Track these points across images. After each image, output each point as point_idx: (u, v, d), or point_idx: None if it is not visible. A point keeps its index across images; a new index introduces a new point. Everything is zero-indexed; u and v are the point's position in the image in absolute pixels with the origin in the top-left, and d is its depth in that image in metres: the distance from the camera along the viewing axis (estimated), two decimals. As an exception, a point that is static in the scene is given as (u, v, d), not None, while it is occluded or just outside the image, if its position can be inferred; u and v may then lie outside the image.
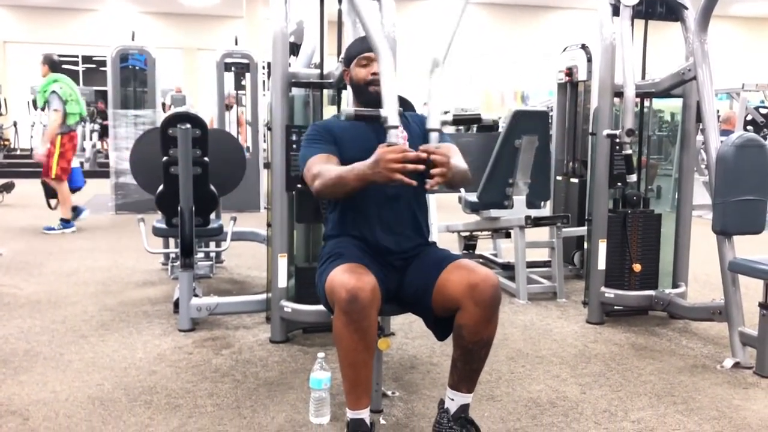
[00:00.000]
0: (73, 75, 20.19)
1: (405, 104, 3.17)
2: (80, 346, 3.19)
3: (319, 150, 2.30)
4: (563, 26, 19.49)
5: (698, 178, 6.44)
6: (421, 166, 1.99)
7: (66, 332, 3.41)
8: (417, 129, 2.41)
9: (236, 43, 8.75)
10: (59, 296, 4.11)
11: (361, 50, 2.35)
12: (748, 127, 8.88)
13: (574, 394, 2.71)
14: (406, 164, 1.97)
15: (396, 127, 2.05)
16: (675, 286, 3.79)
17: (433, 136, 2.14)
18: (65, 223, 6.57)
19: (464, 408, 2.20)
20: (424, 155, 2.00)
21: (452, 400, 2.21)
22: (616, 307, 3.76)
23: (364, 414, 2.10)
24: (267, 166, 3.27)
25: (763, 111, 9.62)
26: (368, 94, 2.33)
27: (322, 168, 2.21)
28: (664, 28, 3.77)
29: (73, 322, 3.58)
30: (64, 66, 20.55)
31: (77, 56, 20.46)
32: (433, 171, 2.02)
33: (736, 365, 3.02)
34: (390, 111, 2.07)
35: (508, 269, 4.70)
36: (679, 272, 3.82)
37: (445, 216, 5.44)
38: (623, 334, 3.51)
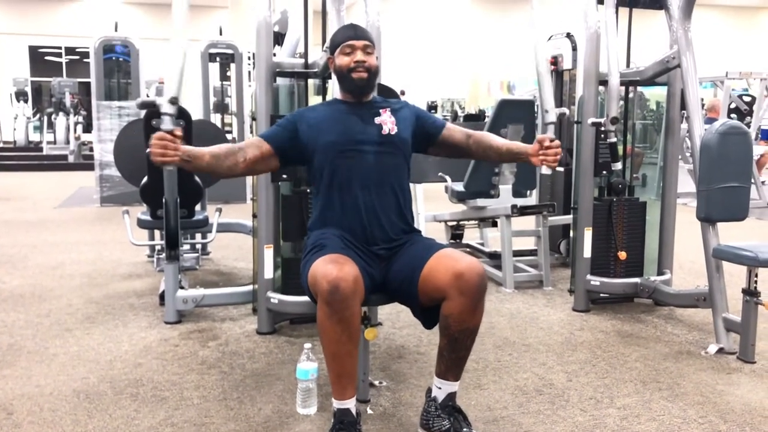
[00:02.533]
0: (57, 66, 20.05)
1: (389, 93, 3.17)
2: (65, 340, 3.17)
3: (266, 133, 2.42)
4: (548, 15, 19.49)
5: (683, 166, 6.48)
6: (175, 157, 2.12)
7: (50, 326, 3.38)
8: (407, 114, 2.43)
9: (221, 34, 8.70)
10: (44, 289, 4.08)
11: (345, 38, 2.34)
12: (732, 115, 8.94)
13: (561, 382, 2.73)
14: (165, 150, 2.10)
15: (169, 115, 2.23)
16: (660, 273, 3.81)
17: (550, 128, 2.55)
18: None
19: (451, 396, 2.21)
20: (168, 140, 2.12)
21: (439, 388, 2.21)
22: (601, 295, 3.78)
23: (350, 404, 2.10)
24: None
25: (746, 99, 9.69)
26: (351, 81, 2.32)
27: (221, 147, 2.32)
28: (648, 17, 3.78)
29: (58, 315, 3.56)
30: (47, 58, 20.37)
31: (60, 48, 20.27)
32: (550, 160, 2.29)
33: (720, 351, 3.05)
34: (164, 99, 2.21)
35: (494, 258, 4.71)
36: (664, 259, 3.85)
37: (432, 206, 5.45)
38: (609, 322, 3.53)
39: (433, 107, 15.70)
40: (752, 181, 3.35)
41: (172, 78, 2.22)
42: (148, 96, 9.77)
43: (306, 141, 2.34)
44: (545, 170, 2.35)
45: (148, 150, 2.13)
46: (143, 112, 3.48)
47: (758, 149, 8.53)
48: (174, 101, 2.18)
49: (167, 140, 2.11)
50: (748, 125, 8.48)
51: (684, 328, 3.44)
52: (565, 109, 2.73)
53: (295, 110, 2.56)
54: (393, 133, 2.34)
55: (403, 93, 15.38)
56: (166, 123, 2.15)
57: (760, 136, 12.02)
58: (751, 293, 2.93)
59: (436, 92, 17.89)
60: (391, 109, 2.40)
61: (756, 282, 2.94)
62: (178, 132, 2.15)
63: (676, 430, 2.32)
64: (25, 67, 19.83)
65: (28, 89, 16.63)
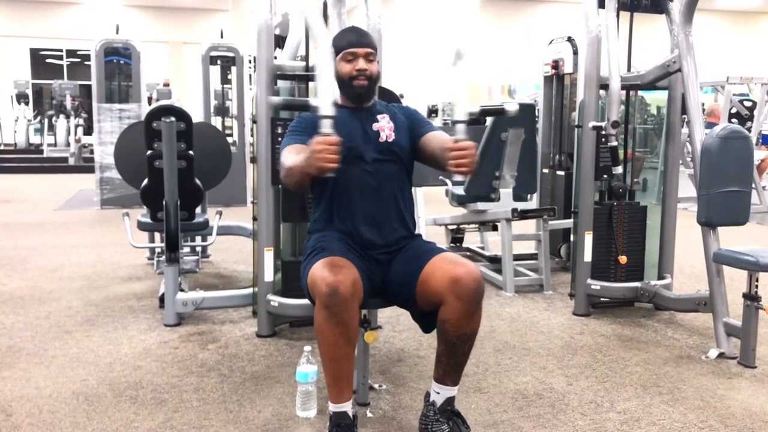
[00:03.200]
0: (58, 69, 20.08)
1: (390, 96, 3.16)
2: (64, 342, 3.17)
3: (294, 141, 2.29)
4: (550, 19, 19.51)
5: (684, 170, 6.48)
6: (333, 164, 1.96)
7: (50, 328, 3.37)
8: (403, 120, 2.41)
9: (222, 37, 8.69)
10: (43, 292, 4.07)
11: (347, 44, 2.33)
12: (733, 120, 8.95)
13: (561, 386, 2.72)
14: (334, 155, 1.94)
15: (330, 118, 2.00)
16: (660, 277, 3.81)
17: (459, 127, 2.07)
18: None
19: (450, 401, 2.20)
20: (334, 140, 1.95)
21: (438, 393, 2.21)
22: (602, 299, 3.77)
23: (347, 407, 2.10)
24: (253, 160, 3.25)
25: (747, 103, 9.69)
26: (352, 88, 2.32)
27: (286, 158, 2.20)
28: (649, 21, 3.79)
29: (57, 317, 3.55)
30: (48, 60, 20.38)
31: (61, 50, 20.29)
32: (458, 163, 2.01)
33: (721, 356, 3.05)
34: (322, 101, 2.02)
35: (495, 262, 4.70)
36: (664, 264, 3.84)
37: (433, 209, 5.45)
38: (609, 326, 3.53)
39: (433, 111, 15.70)
40: (753, 185, 3.35)
41: (325, 83, 2.06)
42: (150, 98, 9.78)
43: None
44: (458, 177, 2.08)
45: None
46: (144, 115, 3.48)
47: (759, 154, 8.54)
48: (336, 104, 2.05)
49: (333, 144, 1.96)
50: (749, 130, 8.48)
51: (684, 332, 3.43)
52: (511, 104, 2.42)
53: (299, 115, 2.53)
54: (390, 140, 2.33)
55: (402, 96, 15.39)
56: (327, 126, 2.03)
57: (761, 140, 12.02)
58: (751, 298, 2.93)
59: (437, 96, 17.89)
60: (390, 115, 2.39)
61: (757, 286, 2.93)
62: (337, 137, 1.98)
63: (677, 434, 2.32)
64: (26, 69, 19.85)
65: (29, 91, 16.66)
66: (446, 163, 2.09)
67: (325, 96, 2.03)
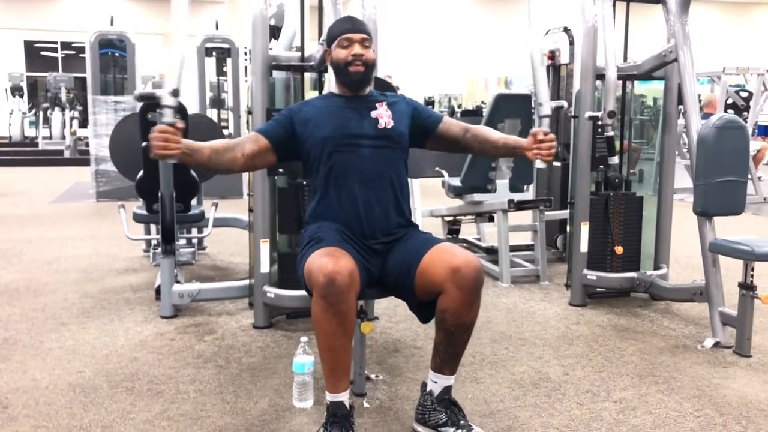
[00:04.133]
0: (52, 61, 19.98)
1: (386, 86, 3.16)
2: (60, 334, 3.16)
3: (262, 128, 2.39)
4: (546, 9, 19.46)
5: (680, 161, 6.49)
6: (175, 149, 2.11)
7: (46, 320, 3.37)
8: (405, 108, 2.42)
9: (217, 28, 8.66)
10: (39, 284, 4.06)
11: (342, 31, 2.33)
12: (729, 110, 8.95)
13: (557, 376, 2.73)
14: (167, 143, 2.08)
15: (171, 107, 2.15)
16: (656, 267, 3.82)
17: (545, 121, 2.33)
18: None
19: (447, 390, 2.21)
20: (170, 133, 2.09)
21: (435, 382, 2.21)
22: (598, 289, 3.78)
23: (344, 397, 2.10)
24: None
25: (743, 94, 9.70)
26: (348, 74, 2.31)
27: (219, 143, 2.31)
28: (645, 11, 3.78)
29: (53, 309, 3.55)
30: (42, 53, 20.25)
31: (56, 42, 20.18)
32: (544, 153, 2.26)
33: (716, 345, 3.06)
34: (165, 91, 2.17)
35: (491, 253, 4.70)
36: (660, 254, 3.85)
37: (429, 201, 5.44)
38: (605, 316, 3.53)
39: (430, 102, 15.69)
40: (749, 176, 3.35)
41: (173, 69, 2.19)
42: (152, 89, 9.74)
43: (302, 136, 2.33)
44: (539, 164, 2.33)
45: (145, 143, 2.11)
46: (139, 106, 3.46)
47: (755, 144, 8.55)
48: (176, 93, 2.14)
49: (169, 133, 2.08)
50: (745, 120, 8.49)
51: (680, 322, 3.44)
52: (563, 102, 2.70)
53: (291, 105, 2.54)
54: (389, 127, 2.33)
55: (397, 88, 15.37)
56: (168, 115, 2.11)
57: (757, 131, 12.05)
58: (747, 287, 2.94)
59: (433, 88, 17.87)
60: (387, 102, 2.39)
61: (752, 276, 2.94)
62: (180, 125, 2.11)
63: (672, 423, 2.33)
64: (21, 62, 19.73)
65: (24, 84, 16.58)
66: (489, 147, 2.47)
67: (168, 87, 2.17)
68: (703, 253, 3.18)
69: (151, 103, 3.29)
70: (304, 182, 3.18)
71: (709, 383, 2.66)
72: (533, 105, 5.02)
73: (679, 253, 4.63)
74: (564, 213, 4.57)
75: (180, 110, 3.30)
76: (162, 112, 2.13)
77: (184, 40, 2.25)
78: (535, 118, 4.82)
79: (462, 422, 2.15)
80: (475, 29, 19.85)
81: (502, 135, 2.51)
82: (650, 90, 4.15)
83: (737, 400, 2.51)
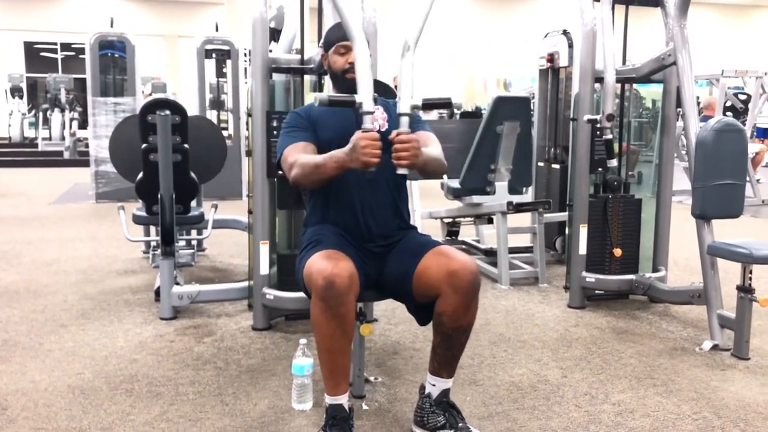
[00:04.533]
0: (52, 62, 19.98)
1: (387, 91, 3.16)
2: (60, 336, 3.17)
3: (296, 138, 2.30)
4: (545, 12, 19.51)
5: (679, 163, 6.50)
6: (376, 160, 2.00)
7: (45, 321, 3.37)
8: (397, 113, 2.40)
9: (217, 30, 8.67)
10: (38, 285, 4.07)
11: (339, 38, 2.33)
12: (728, 113, 8.96)
13: (556, 378, 2.74)
14: (380, 150, 1.99)
15: (371, 113, 2.05)
16: (655, 270, 3.82)
17: (403, 120, 2.06)
18: None
19: (445, 393, 2.21)
20: (377, 135, 2.01)
21: (433, 385, 2.22)
22: (597, 292, 3.79)
23: (343, 399, 2.10)
24: (249, 153, 3.25)
25: (742, 97, 9.71)
26: (345, 81, 2.32)
27: (300, 157, 2.21)
28: (644, 14, 3.79)
29: (53, 311, 3.55)
30: (42, 54, 20.21)
31: (56, 43, 20.18)
32: (396, 155, 2.02)
33: (715, 347, 3.06)
34: (365, 96, 2.06)
35: (490, 255, 4.71)
36: (659, 257, 3.86)
37: (428, 203, 5.45)
38: (604, 318, 3.54)
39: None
40: (747, 178, 3.36)
41: (365, 79, 2.07)
42: (143, 93, 9.75)
43: (316, 136, 2.33)
44: (401, 171, 2.05)
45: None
46: (139, 109, 3.47)
47: (753, 147, 8.56)
48: (376, 100, 2.05)
49: (376, 140, 2.00)
50: (744, 123, 8.50)
51: (679, 324, 3.45)
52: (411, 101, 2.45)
53: (294, 109, 2.53)
54: (384, 129, 2.33)
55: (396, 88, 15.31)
56: (368, 122, 2.04)
57: (755, 134, 12.06)
58: (745, 290, 2.94)
59: (432, 90, 17.88)
60: (384, 106, 2.39)
61: (750, 279, 2.95)
62: (376, 134, 2.03)
63: (671, 425, 2.33)
64: (21, 62, 19.73)
65: (24, 85, 16.58)
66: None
67: (366, 92, 2.07)
68: (701, 255, 3.19)
69: (151, 104, 3.30)
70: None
71: (708, 386, 2.67)
72: (532, 108, 5.04)
73: (677, 255, 4.64)
74: (563, 215, 4.57)
75: (179, 111, 3.33)
76: (363, 119, 2.03)
77: (365, 48, 2.15)
78: (534, 120, 4.84)
79: (460, 425, 2.15)
80: (475, 30, 19.87)
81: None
82: (649, 92, 4.16)
83: (735, 402, 2.52)
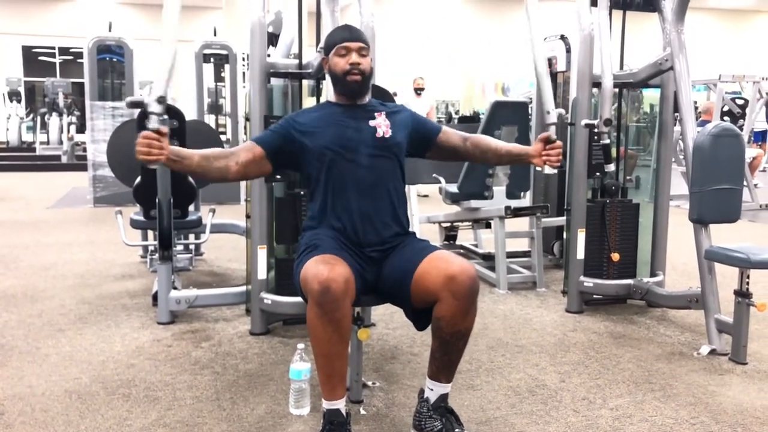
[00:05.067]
0: (50, 67, 19.99)
1: (383, 95, 3.17)
2: (57, 340, 3.16)
3: (258, 137, 2.41)
4: (543, 17, 19.54)
5: (676, 168, 6.51)
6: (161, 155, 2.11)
7: (42, 326, 3.37)
8: (404, 118, 2.43)
9: (215, 34, 8.68)
10: (36, 290, 4.06)
11: (340, 39, 2.34)
12: (725, 118, 8.98)
13: (554, 383, 2.73)
14: (150, 149, 2.09)
15: (156, 114, 2.20)
16: (653, 274, 3.83)
17: (552, 129, 2.49)
18: None
19: (443, 397, 2.21)
20: (154, 139, 2.10)
21: (431, 390, 2.21)
22: (594, 296, 3.79)
23: (340, 404, 2.10)
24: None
25: (739, 102, 9.74)
26: (346, 83, 2.32)
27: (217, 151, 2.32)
28: (641, 19, 3.79)
29: (50, 315, 3.54)
30: (40, 58, 20.21)
31: (54, 48, 20.19)
32: (552, 161, 2.38)
33: (713, 352, 3.06)
34: (151, 98, 2.22)
35: (488, 259, 4.71)
36: (656, 261, 3.86)
37: (426, 207, 5.46)
38: (602, 323, 3.54)
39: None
40: (744, 183, 3.37)
41: (161, 77, 2.23)
42: (141, 96, 9.76)
43: (299, 145, 2.33)
44: (548, 170, 2.39)
45: (137, 147, 2.13)
46: (137, 113, 3.47)
47: (750, 152, 8.58)
48: (161, 100, 2.19)
49: (152, 138, 2.10)
50: (741, 128, 8.52)
51: (676, 329, 3.45)
52: (561, 110, 2.73)
53: (288, 114, 2.55)
54: (387, 136, 2.34)
55: (395, 95, 15.40)
56: (153, 122, 2.16)
57: (752, 138, 12.09)
58: (742, 294, 2.95)
59: (431, 94, 17.91)
60: (387, 112, 2.40)
61: (748, 283, 2.95)
62: (164, 130, 2.14)
63: (668, 430, 2.33)
64: (19, 67, 19.75)
65: (22, 89, 16.58)
66: (491, 155, 2.53)
67: (154, 93, 2.22)
68: (699, 260, 3.19)
69: (145, 109, 3.30)
70: (302, 192, 3.19)
71: (705, 390, 2.67)
72: (530, 112, 5.05)
73: (675, 260, 4.65)
74: (561, 220, 4.58)
75: (177, 116, 3.33)
76: (149, 118, 2.16)
77: (172, 47, 2.29)
78: (532, 124, 4.86)
79: (458, 429, 2.15)
80: (473, 34, 19.91)
81: (504, 143, 2.55)
82: (646, 97, 4.16)
83: (733, 407, 2.52)
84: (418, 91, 9.32)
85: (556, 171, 2.42)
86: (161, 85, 2.22)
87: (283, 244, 3.33)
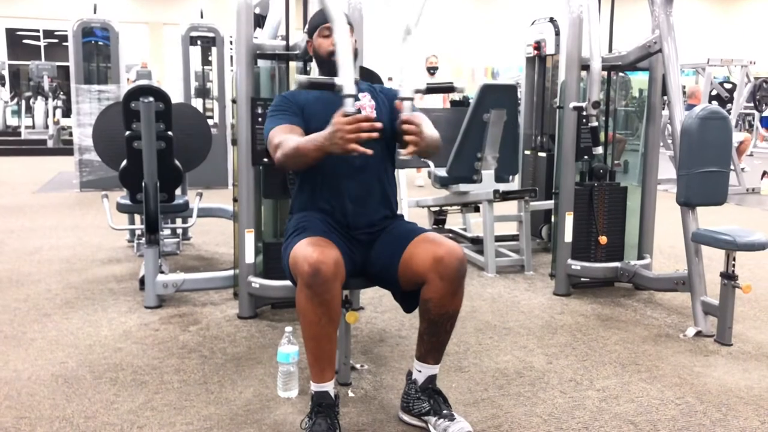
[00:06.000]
0: (35, 50, 19.73)
1: (372, 76, 3.14)
2: (43, 325, 3.14)
3: (282, 120, 2.27)
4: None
5: (664, 152, 6.53)
6: (375, 134, 1.95)
7: (28, 311, 3.34)
8: (385, 100, 2.39)
9: (202, 17, 8.58)
10: (21, 274, 4.03)
11: (323, 20, 2.31)
12: (713, 102, 9.01)
13: (541, 365, 2.75)
14: (360, 133, 1.94)
15: (353, 96, 1.99)
16: (640, 257, 3.84)
17: (407, 104, 2.06)
18: None
19: (431, 379, 2.21)
20: (379, 124, 1.96)
21: (419, 371, 2.22)
22: (582, 279, 3.80)
23: (329, 386, 2.10)
24: (234, 141, 3.22)
25: (727, 86, 9.76)
26: (330, 65, 2.29)
27: (284, 138, 2.18)
28: (631, 1, 3.78)
29: (36, 300, 3.52)
30: (24, 41, 19.88)
31: (38, 30, 19.91)
32: (407, 139, 2.02)
33: (698, 334, 3.09)
34: (345, 79, 2.01)
35: (476, 243, 4.72)
36: (644, 244, 3.87)
37: (415, 191, 5.45)
38: (589, 306, 3.56)
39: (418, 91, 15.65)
40: (732, 167, 3.38)
41: (346, 62, 2.02)
42: (128, 80, 9.66)
43: (303, 122, 2.30)
44: (404, 155, 2.08)
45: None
46: (122, 96, 3.43)
47: (738, 136, 8.62)
48: (357, 82, 2.01)
49: (359, 122, 1.93)
50: (729, 112, 8.55)
51: (663, 311, 3.47)
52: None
53: (281, 93, 2.50)
54: (371, 116, 2.31)
55: (390, 79, 15.31)
56: (349, 105, 1.97)
57: (762, 124, 12.16)
58: (728, 277, 2.97)
59: (420, 78, 17.85)
60: (371, 94, 2.38)
61: (734, 266, 2.97)
62: (360, 115, 1.96)
63: (654, 411, 2.35)
64: (2, 50, 19.47)
65: (6, 73, 16.35)
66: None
67: (347, 74, 2.01)
68: (685, 243, 3.21)
69: (133, 91, 3.26)
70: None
71: (691, 372, 2.69)
72: (519, 96, 5.04)
73: (662, 243, 4.67)
74: (549, 203, 4.59)
75: (162, 98, 3.29)
76: (344, 102, 1.97)
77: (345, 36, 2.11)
78: (521, 108, 4.84)
79: (444, 411, 2.15)
80: (462, 19, 19.81)
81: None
82: (635, 81, 4.16)
83: (718, 388, 2.54)
84: (431, 70, 8.27)
85: (407, 158, 2.10)
86: (347, 66, 2.02)
87: (271, 198, 3.28)
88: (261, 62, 3.27)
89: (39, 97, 14.02)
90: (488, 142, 4.29)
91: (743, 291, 2.93)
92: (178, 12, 17.98)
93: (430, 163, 4.68)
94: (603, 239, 3.75)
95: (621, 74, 3.96)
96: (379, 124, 1.96)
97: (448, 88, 2.25)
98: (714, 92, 9.42)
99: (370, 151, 1.96)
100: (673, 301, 3.62)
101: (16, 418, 2.22)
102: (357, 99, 1.99)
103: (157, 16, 19.55)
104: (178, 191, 3.79)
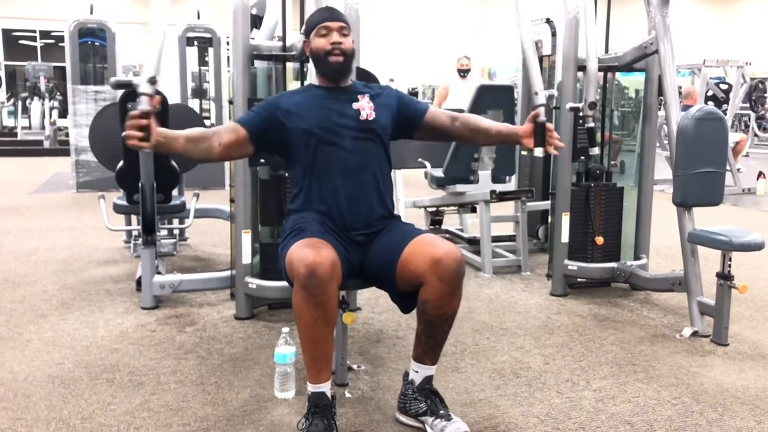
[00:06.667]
0: (31, 50, 19.69)
1: (368, 77, 3.14)
2: (39, 326, 3.13)
3: (242, 118, 2.35)
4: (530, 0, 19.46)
5: (660, 152, 6.54)
6: (139, 133, 2.03)
7: (25, 312, 3.34)
8: (388, 101, 2.40)
9: (198, 17, 8.58)
10: (18, 275, 4.02)
11: (320, 20, 2.31)
12: (709, 103, 9.03)
13: (538, 365, 2.75)
14: (131, 131, 2.01)
15: (148, 95, 2.06)
16: (637, 258, 3.85)
17: (542, 110, 2.32)
18: None
19: (428, 379, 2.22)
20: (145, 121, 2.02)
21: (416, 372, 2.22)
22: (579, 280, 3.81)
23: (325, 387, 2.10)
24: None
25: (723, 86, 9.79)
26: (328, 64, 2.30)
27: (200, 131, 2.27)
28: (627, 2, 3.79)
29: (32, 301, 3.51)
30: (21, 42, 19.87)
31: (35, 31, 19.88)
32: (555, 143, 2.30)
33: (695, 334, 3.09)
34: (141, 79, 2.09)
35: (473, 243, 4.72)
36: (640, 245, 3.88)
37: (412, 192, 5.45)
38: (586, 306, 3.56)
39: (413, 94, 15.71)
40: (728, 167, 3.39)
41: (151, 57, 2.14)
42: (128, 76, 9.66)
43: (282, 129, 2.30)
44: (538, 152, 2.31)
45: (124, 134, 2.06)
46: (119, 96, 3.43)
47: (734, 136, 8.64)
48: (153, 81, 2.09)
49: (143, 121, 2.02)
50: (725, 113, 8.57)
51: (659, 311, 3.48)
52: (553, 91, 2.63)
53: (272, 96, 2.52)
54: (371, 118, 2.32)
55: (392, 80, 15.32)
56: (144, 103, 2.06)
57: (765, 125, 12.20)
58: (725, 277, 2.97)
59: (418, 79, 17.87)
60: (370, 94, 2.38)
61: (730, 266, 2.98)
62: (152, 108, 2.06)
63: (651, 411, 2.35)
64: (-1, 50, 19.45)
65: (2, 74, 16.34)
66: (481, 135, 2.46)
67: (145, 74, 2.10)
68: (682, 243, 3.21)
69: (130, 92, 3.26)
70: (287, 174, 3.16)
71: (687, 372, 2.69)
72: (516, 96, 5.04)
73: (659, 243, 4.68)
74: (545, 204, 4.59)
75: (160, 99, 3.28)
76: (139, 99, 2.07)
77: (162, 28, 2.21)
78: (518, 109, 4.85)
79: (441, 412, 2.16)
80: (460, 19, 19.84)
81: (494, 123, 2.48)
82: (631, 82, 4.17)
83: (714, 388, 2.55)
84: (463, 72, 7.75)
85: (543, 154, 2.33)
86: (152, 65, 2.13)
87: (269, 226, 3.31)
88: (258, 63, 3.27)
89: (35, 98, 13.98)
90: (485, 143, 4.29)
91: (739, 291, 2.94)
92: (175, 12, 17.97)
93: (427, 163, 4.68)
94: (599, 240, 3.75)
95: (615, 81, 3.96)
96: (144, 121, 2.02)
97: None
98: (710, 93, 9.44)
99: (144, 145, 2.05)
100: (669, 301, 3.63)
101: (12, 420, 2.22)
102: (152, 97, 2.07)
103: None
104: (174, 192, 3.80)
